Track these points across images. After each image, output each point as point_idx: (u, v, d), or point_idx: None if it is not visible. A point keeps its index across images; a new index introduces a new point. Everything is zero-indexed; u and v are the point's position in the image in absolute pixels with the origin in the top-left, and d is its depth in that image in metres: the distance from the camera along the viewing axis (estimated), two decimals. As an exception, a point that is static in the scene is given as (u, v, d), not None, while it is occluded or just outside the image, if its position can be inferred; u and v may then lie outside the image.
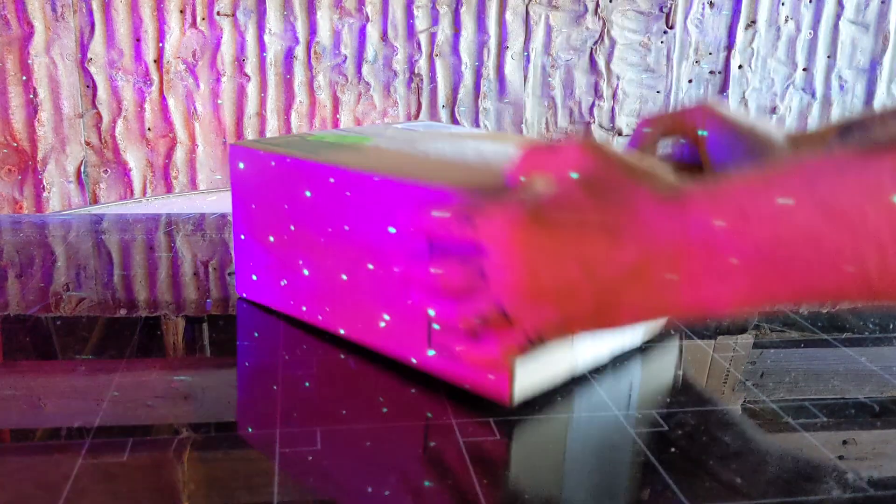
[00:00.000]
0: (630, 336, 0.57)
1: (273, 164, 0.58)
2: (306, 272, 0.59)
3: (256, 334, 0.60)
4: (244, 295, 0.64)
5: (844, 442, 0.47)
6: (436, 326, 0.51)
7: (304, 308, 0.60)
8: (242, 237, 0.62)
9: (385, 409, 0.49)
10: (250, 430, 0.47)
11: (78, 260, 0.76)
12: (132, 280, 0.71)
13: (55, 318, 0.62)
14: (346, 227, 0.55)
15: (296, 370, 0.54)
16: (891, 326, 0.64)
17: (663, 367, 0.56)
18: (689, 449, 0.46)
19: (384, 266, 0.53)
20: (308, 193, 0.57)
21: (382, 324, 0.54)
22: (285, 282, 0.60)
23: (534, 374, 0.50)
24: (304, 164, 0.56)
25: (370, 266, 0.54)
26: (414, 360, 0.53)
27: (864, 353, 0.59)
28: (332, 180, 0.54)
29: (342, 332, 0.57)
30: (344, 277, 0.56)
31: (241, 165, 0.61)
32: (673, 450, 0.46)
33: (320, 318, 0.59)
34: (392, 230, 0.52)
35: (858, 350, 0.59)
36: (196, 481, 0.42)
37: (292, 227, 0.58)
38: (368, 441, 0.46)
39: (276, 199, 0.59)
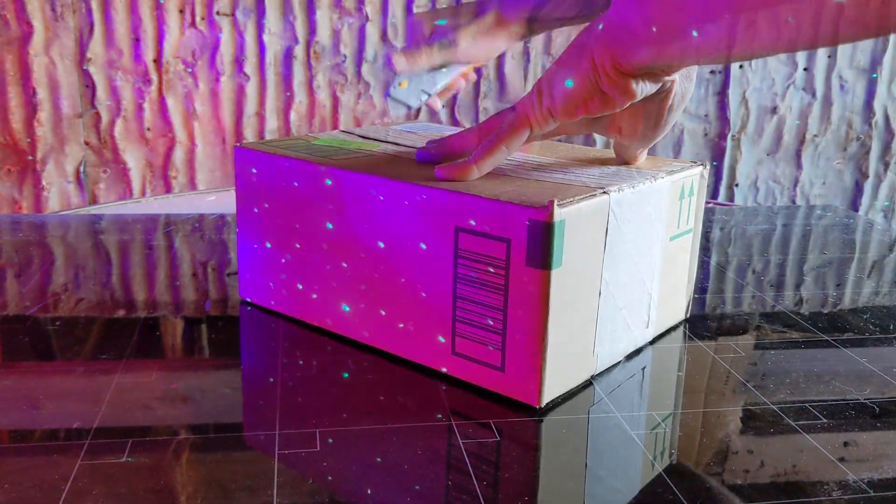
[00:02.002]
0: (641, 334, 0.57)
1: (287, 167, 0.58)
2: (319, 275, 0.59)
3: (256, 336, 0.60)
4: (248, 298, 0.64)
5: (845, 443, 0.47)
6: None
7: (315, 312, 0.60)
8: (245, 241, 0.62)
9: (385, 411, 0.49)
10: (250, 431, 0.47)
11: (77, 260, 0.76)
12: (131, 280, 0.71)
13: (54, 319, 0.62)
14: (366, 233, 0.55)
15: (295, 371, 0.54)
16: (891, 327, 0.64)
17: (664, 369, 0.56)
18: (689, 449, 0.46)
19: (411, 272, 0.53)
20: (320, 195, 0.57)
21: (409, 328, 0.55)
22: (300, 286, 0.60)
23: (561, 375, 0.50)
24: (319, 169, 0.56)
25: (396, 272, 0.54)
26: (444, 370, 0.53)
27: (865, 354, 0.59)
28: (357, 185, 0.54)
29: (366, 334, 0.57)
30: (398, 275, 0.56)
31: (250, 169, 0.61)
32: (673, 450, 0.46)
33: (330, 322, 0.59)
34: (422, 244, 0.52)
35: (859, 351, 0.59)
36: (195, 482, 0.42)
37: (304, 231, 0.58)
38: (368, 442, 0.46)
39: (285, 203, 0.59)
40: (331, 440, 0.46)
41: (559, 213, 0.46)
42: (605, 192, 0.50)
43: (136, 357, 0.56)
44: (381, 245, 0.54)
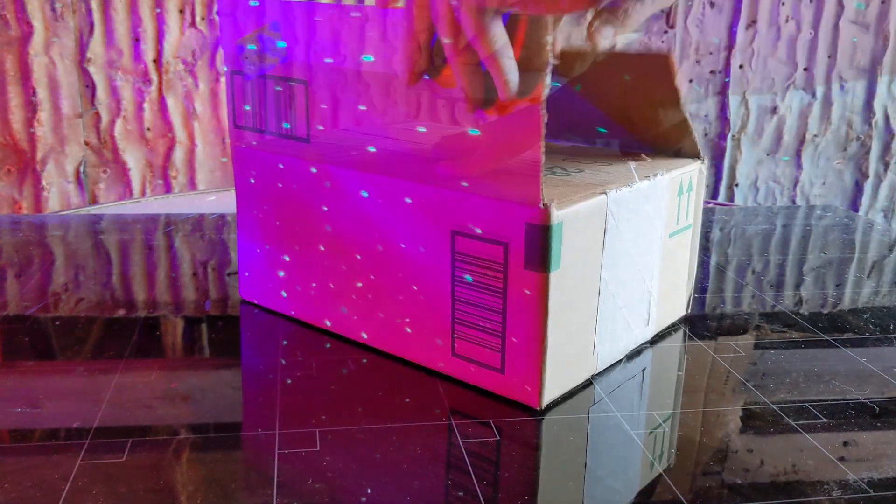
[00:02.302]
0: (641, 332, 0.57)
1: (286, 168, 0.58)
2: (318, 276, 0.59)
3: (256, 336, 0.60)
4: (248, 298, 0.64)
5: (845, 443, 0.47)
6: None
7: (314, 313, 0.60)
8: (245, 241, 0.62)
9: (385, 410, 0.49)
10: (249, 431, 0.47)
11: (77, 260, 0.76)
12: (131, 280, 0.71)
13: (54, 319, 0.62)
14: (364, 234, 0.55)
15: (295, 371, 0.54)
16: (891, 327, 0.64)
17: (664, 368, 0.56)
18: (689, 449, 0.46)
19: (409, 273, 0.53)
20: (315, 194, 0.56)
21: (407, 329, 0.54)
22: (299, 287, 0.60)
23: (560, 376, 0.50)
24: (319, 170, 0.56)
25: (394, 274, 0.54)
26: (441, 365, 0.53)
27: (865, 353, 0.59)
28: (356, 187, 0.54)
29: (364, 336, 0.57)
30: (396, 276, 0.56)
31: (249, 170, 0.61)
32: (673, 450, 0.46)
33: (329, 323, 0.59)
34: (419, 242, 0.52)
35: (859, 351, 0.59)
36: (195, 482, 0.42)
37: (303, 233, 0.58)
38: (368, 442, 0.46)
39: (284, 204, 0.59)
40: (330, 440, 0.46)
41: (557, 216, 0.46)
42: (602, 192, 0.50)
43: (136, 357, 0.56)
44: (380, 248, 0.54)
